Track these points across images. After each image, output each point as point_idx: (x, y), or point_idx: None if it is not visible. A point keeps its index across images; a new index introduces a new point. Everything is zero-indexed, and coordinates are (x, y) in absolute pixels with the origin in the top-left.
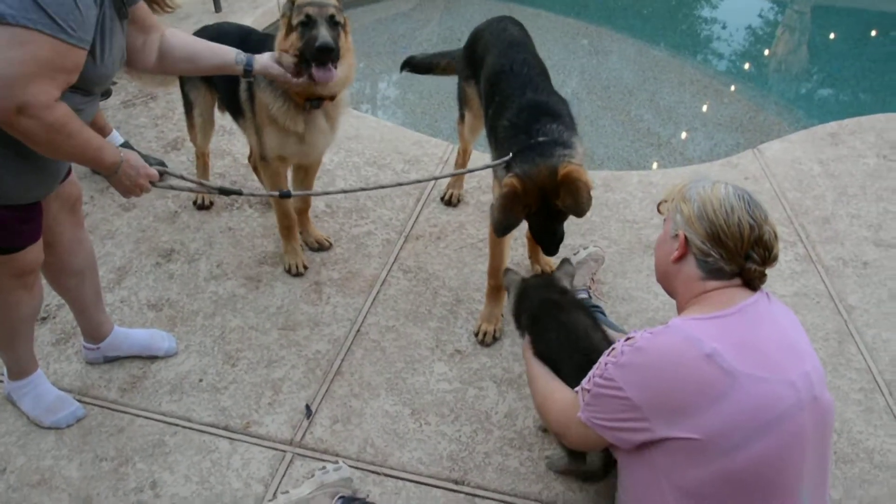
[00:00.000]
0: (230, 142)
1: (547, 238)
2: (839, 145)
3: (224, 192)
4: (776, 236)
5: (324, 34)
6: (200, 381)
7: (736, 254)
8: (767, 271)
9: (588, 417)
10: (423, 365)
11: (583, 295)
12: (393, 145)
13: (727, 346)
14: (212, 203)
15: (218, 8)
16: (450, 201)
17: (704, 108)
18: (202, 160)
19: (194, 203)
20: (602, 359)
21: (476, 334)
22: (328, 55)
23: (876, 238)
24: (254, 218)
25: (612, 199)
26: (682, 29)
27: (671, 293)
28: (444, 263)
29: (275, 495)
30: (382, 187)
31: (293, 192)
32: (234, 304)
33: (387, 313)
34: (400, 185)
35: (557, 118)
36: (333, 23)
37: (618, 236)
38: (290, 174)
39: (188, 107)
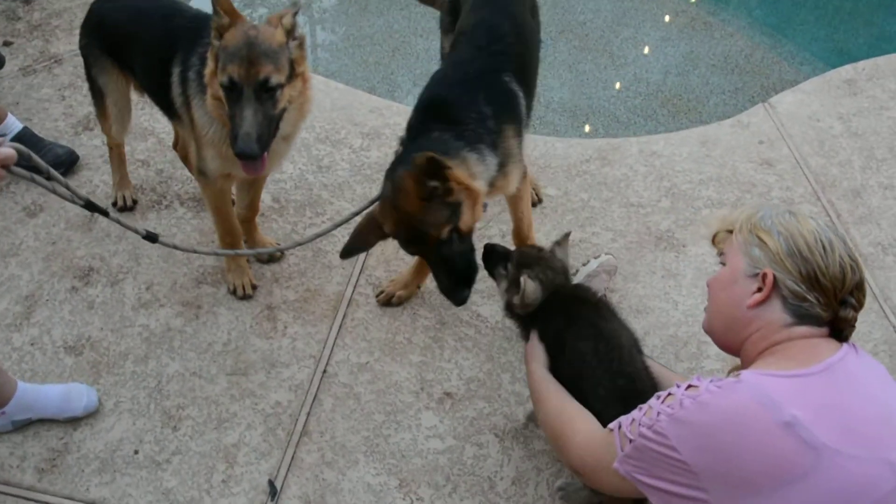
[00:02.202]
0: (152, 118)
1: (439, 273)
2: (858, 95)
3: (90, 208)
4: (860, 263)
5: (246, 126)
6: (136, 452)
7: (834, 298)
8: None
9: (628, 471)
10: (408, 416)
11: None
12: (347, 115)
13: (811, 413)
14: (135, 202)
15: None
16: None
17: (695, 46)
18: (117, 152)
19: (114, 204)
20: (653, 403)
21: (378, 295)
22: (250, 160)
23: None
24: (187, 220)
25: (611, 175)
26: None
27: (730, 345)
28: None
29: None
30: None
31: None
32: (171, 342)
33: (357, 345)
34: None
35: (456, 125)
36: (268, 89)
37: (623, 226)
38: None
39: (97, 95)
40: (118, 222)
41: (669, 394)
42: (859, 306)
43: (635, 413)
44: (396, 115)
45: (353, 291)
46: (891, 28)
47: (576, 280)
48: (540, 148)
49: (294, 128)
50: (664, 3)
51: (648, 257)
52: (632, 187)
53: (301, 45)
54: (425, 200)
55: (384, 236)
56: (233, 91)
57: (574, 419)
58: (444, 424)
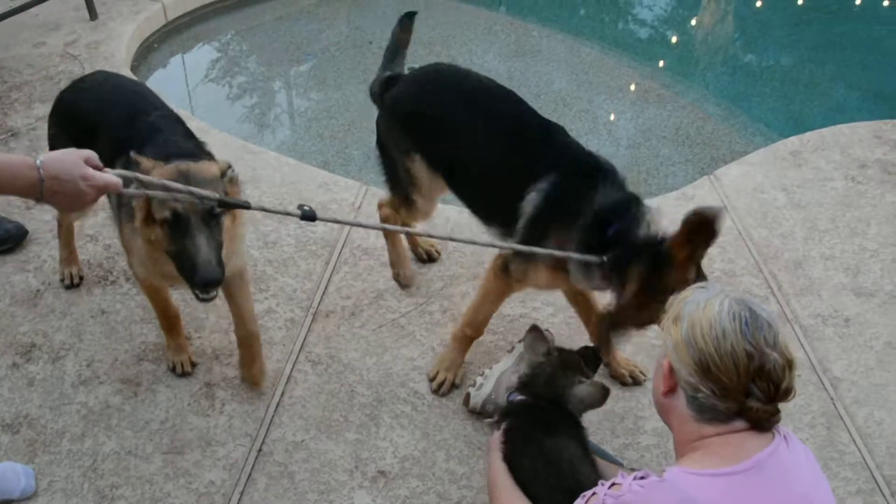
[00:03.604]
0: None
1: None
2: (802, 166)
3: (224, 204)
4: (790, 365)
5: (204, 256)
6: None
7: (733, 390)
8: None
9: None
10: (341, 495)
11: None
12: (296, 189)
13: None
14: (82, 279)
15: (93, 15)
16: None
17: (646, 118)
18: (66, 227)
19: (61, 280)
20: None
21: (431, 380)
22: (213, 288)
23: (855, 285)
24: (131, 296)
25: None
26: (613, 23)
27: (671, 429)
28: (361, 349)
29: None
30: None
31: (320, 217)
32: (109, 420)
33: (294, 423)
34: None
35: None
36: (214, 216)
37: (563, 301)
38: None
39: None
40: (265, 210)
41: (594, 492)
42: (768, 398)
43: None
44: (345, 191)
45: (291, 368)
46: (845, 100)
47: (513, 355)
48: None
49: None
50: (619, 75)
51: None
52: None
53: (233, 182)
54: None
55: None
56: (177, 225)
57: None
58: None
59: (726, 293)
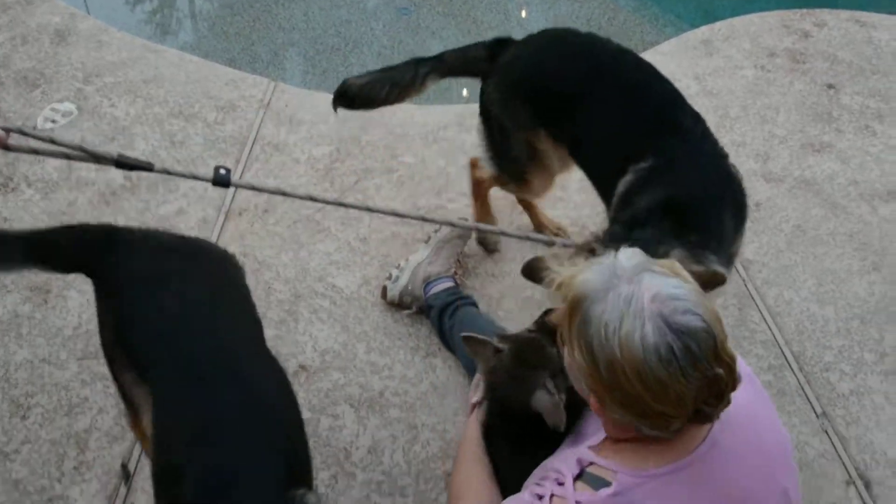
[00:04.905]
0: None
1: None
2: (714, 55)
3: (123, 165)
4: (732, 361)
5: None
6: None
7: (679, 417)
8: None
9: None
10: None
11: (448, 284)
12: (202, 87)
13: None
14: None
15: None
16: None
17: (558, 10)
18: None
19: None
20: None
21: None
22: None
23: (765, 171)
24: (35, 202)
25: (468, 141)
26: None
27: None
28: (276, 246)
29: None
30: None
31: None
32: (19, 329)
33: None
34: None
35: None
36: None
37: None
38: None
39: None
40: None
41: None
42: (716, 402)
43: None
44: (252, 87)
45: None
46: None
47: (429, 246)
48: (398, 116)
49: None
50: None
51: (504, 221)
52: None
53: None
54: None
55: None
56: None
57: (467, 497)
58: (298, 397)
59: (634, 309)
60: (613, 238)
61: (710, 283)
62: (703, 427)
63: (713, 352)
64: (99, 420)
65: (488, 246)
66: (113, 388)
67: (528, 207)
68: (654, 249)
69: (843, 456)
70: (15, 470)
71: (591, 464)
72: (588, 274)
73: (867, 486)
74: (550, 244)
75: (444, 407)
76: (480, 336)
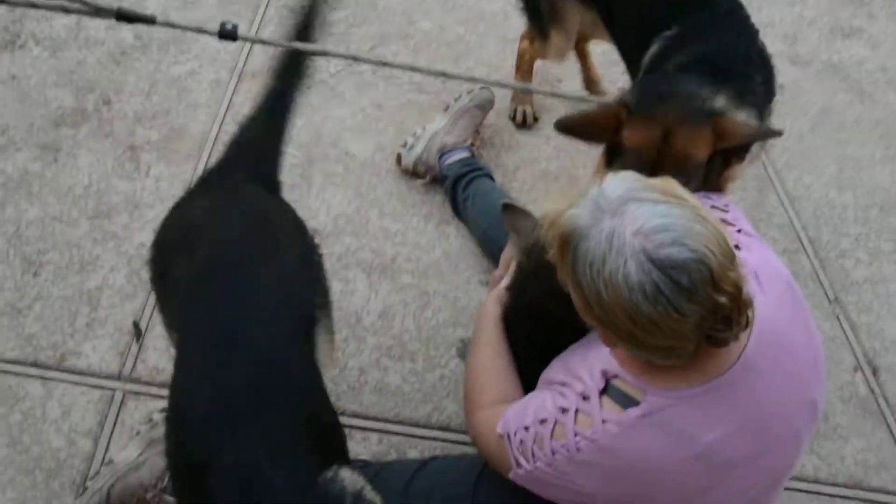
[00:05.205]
0: None
1: None
2: None
3: (124, 17)
4: (735, 290)
5: None
6: None
7: (684, 349)
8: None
9: (523, 484)
10: None
11: (463, 154)
12: None
13: (722, 431)
14: None
15: None
16: (524, 121)
17: None
18: None
19: None
20: (542, 432)
21: (513, 118)
22: None
23: (792, 53)
24: (43, 60)
25: (488, 8)
26: None
27: None
28: None
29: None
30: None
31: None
32: (29, 187)
33: None
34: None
35: None
36: None
37: (498, 61)
38: None
39: None
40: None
41: (556, 422)
42: (727, 327)
43: (521, 432)
44: None
45: (219, 129)
46: None
47: (447, 115)
48: None
49: None
50: None
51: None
52: (509, 21)
53: None
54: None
55: (615, 141)
56: None
57: (486, 390)
58: None
59: (617, 245)
60: (647, 85)
61: (765, 136)
62: (729, 349)
63: (710, 282)
64: (111, 278)
65: (517, 119)
66: (124, 247)
67: (583, 57)
68: (696, 93)
69: (852, 342)
70: (28, 325)
71: (617, 376)
72: (575, 209)
73: (875, 372)
74: (583, 101)
75: (457, 275)
76: (522, 206)
